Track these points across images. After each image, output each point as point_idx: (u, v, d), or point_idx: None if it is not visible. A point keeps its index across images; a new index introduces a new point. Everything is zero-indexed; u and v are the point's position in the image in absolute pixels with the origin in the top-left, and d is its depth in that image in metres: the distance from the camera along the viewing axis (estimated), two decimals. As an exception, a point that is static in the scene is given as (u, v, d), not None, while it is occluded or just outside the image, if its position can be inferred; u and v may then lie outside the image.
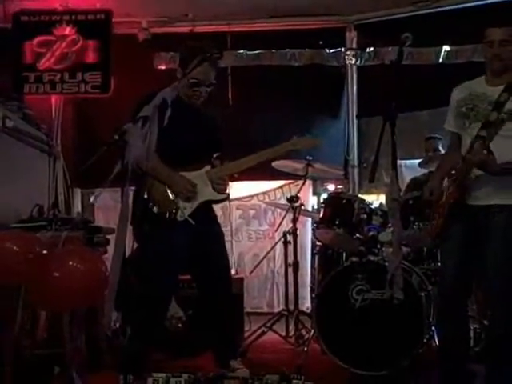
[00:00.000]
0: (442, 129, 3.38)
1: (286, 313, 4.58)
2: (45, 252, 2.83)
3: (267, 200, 6.06)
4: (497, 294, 2.92)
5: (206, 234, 3.29)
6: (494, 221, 2.88)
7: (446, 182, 3.09)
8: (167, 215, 3.21)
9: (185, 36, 5.72)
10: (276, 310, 5.49)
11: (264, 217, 6.11)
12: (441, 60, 5.62)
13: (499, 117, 2.84)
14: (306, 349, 3.91)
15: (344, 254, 4.23)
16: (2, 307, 2.96)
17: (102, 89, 5.72)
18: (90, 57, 5.76)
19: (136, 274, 3.20)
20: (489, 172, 2.83)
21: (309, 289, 5.38)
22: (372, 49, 5.86)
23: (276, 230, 5.53)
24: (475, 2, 5.40)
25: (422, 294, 3.49)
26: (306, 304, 5.38)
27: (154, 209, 3.21)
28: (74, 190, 5.58)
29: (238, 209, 6.08)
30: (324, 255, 4.54)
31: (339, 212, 4.04)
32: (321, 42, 5.94)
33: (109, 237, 3.65)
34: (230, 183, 3.48)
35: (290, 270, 4.68)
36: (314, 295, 4.57)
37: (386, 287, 2.77)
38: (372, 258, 3.75)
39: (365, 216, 3.96)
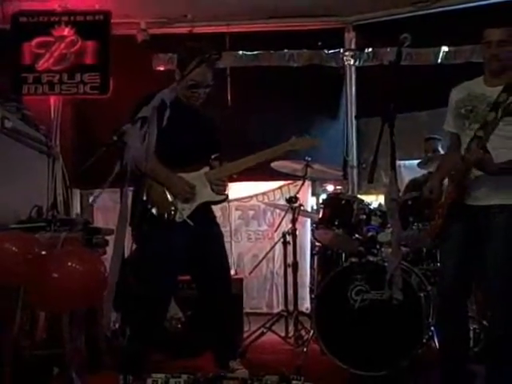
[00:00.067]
0: (441, 129, 3.39)
1: (285, 313, 4.58)
2: (44, 253, 2.83)
3: (266, 200, 6.06)
4: (497, 295, 2.92)
5: (205, 234, 3.29)
6: (494, 221, 2.88)
7: (445, 182, 3.10)
8: (166, 216, 3.21)
9: (184, 37, 5.72)
10: (275, 310, 5.49)
11: (263, 217, 6.12)
12: (439, 60, 5.63)
13: (497, 117, 2.84)
14: (305, 349, 3.91)
15: (343, 255, 4.24)
16: (1, 308, 2.96)
17: (100, 90, 5.72)
18: (89, 58, 5.75)
19: (135, 275, 3.19)
20: (486, 171, 2.84)
21: (308, 289, 5.38)
22: (371, 49, 5.86)
23: (275, 231, 5.54)
24: (474, 2, 5.40)
25: (422, 295, 3.50)
26: (306, 304, 5.38)
27: (153, 210, 3.21)
28: (72, 190, 5.57)
29: (237, 209, 6.08)
30: (323, 256, 4.54)
31: (338, 212, 4.04)
32: (319, 43, 5.94)
33: (108, 238, 3.65)
34: (230, 184, 3.48)
35: (290, 270, 4.68)
36: (313, 296, 4.57)
37: (385, 288, 2.77)
38: (371, 258, 3.75)
39: (364, 216, 3.97)
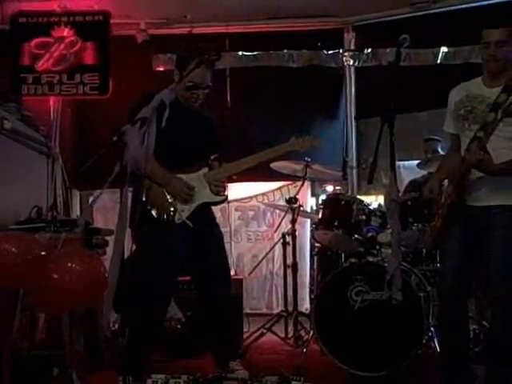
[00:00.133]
0: (440, 130, 3.39)
1: (285, 314, 4.58)
2: (43, 253, 2.83)
3: (266, 201, 6.07)
4: (497, 295, 2.92)
5: (204, 235, 3.29)
6: (494, 221, 2.89)
7: (445, 183, 3.10)
8: (165, 217, 3.21)
9: (183, 37, 5.72)
10: (275, 311, 5.48)
11: (263, 218, 6.12)
12: (439, 61, 5.63)
13: (497, 118, 2.85)
14: (305, 350, 3.91)
15: (343, 255, 4.23)
16: (1, 309, 2.96)
17: (100, 90, 5.72)
18: (89, 58, 5.75)
19: (134, 276, 3.20)
20: (486, 172, 2.84)
21: (308, 290, 5.37)
22: (370, 50, 5.85)
23: (275, 231, 5.54)
24: (473, 3, 5.40)
25: (421, 295, 3.49)
26: (305, 305, 5.37)
27: (152, 211, 3.20)
28: (72, 191, 5.57)
29: (236, 210, 6.08)
30: (323, 256, 4.54)
31: (338, 213, 4.04)
32: (319, 44, 5.94)
33: (108, 238, 3.65)
34: (229, 185, 3.48)
35: (289, 271, 4.68)
36: (313, 296, 4.57)
37: (385, 288, 2.77)
38: (371, 258, 3.75)
39: (364, 217, 3.97)
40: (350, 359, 3.47)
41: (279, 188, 6.09)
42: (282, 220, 5.02)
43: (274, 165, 4.36)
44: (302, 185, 4.67)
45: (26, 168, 4.19)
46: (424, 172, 4.79)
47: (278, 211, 5.64)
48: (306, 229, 5.72)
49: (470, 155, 2.85)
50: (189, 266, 3.34)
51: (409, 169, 5.45)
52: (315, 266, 4.70)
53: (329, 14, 5.88)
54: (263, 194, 6.15)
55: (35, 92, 5.71)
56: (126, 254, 3.14)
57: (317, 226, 4.19)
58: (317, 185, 6.19)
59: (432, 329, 3.60)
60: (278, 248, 5.17)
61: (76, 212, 5.75)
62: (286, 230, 4.74)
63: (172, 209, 3.21)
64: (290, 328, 4.53)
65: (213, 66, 3.28)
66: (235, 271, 5.08)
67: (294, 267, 4.59)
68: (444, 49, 5.61)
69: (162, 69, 5.88)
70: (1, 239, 2.80)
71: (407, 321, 3.38)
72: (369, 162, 3.44)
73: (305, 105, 5.89)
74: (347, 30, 5.99)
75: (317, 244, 4.57)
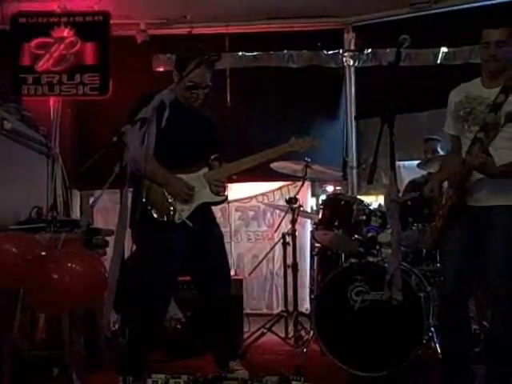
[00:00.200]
0: (440, 130, 3.39)
1: (285, 314, 4.58)
2: (43, 254, 2.83)
3: (266, 201, 6.07)
4: (497, 295, 2.92)
5: (204, 235, 3.29)
6: (495, 222, 2.89)
7: (445, 184, 3.10)
8: (165, 217, 3.21)
9: (183, 38, 5.72)
10: (275, 311, 5.49)
11: (263, 218, 6.12)
12: (439, 61, 5.63)
13: (497, 118, 2.85)
14: (305, 350, 3.91)
15: (343, 255, 4.23)
16: (1, 309, 2.96)
17: (100, 91, 5.72)
18: (89, 59, 5.75)
19: (134, 276, 3.20)
20: (487, 174, 2.84)
21: (308, 290, 5.37)
22: (370, 50, 5.86)
23: (275, 232, 5.54)
24: (473, 3, 5.40)
25: (421, 295, 3.49)
26: (306, 305, 5.37)
27: (152, 211, 3.20)
28: (72, 191, 5.57)
29: (237, 210, 6.08)
30: (323, 256, 4.54)
31: (338, 213, 4.04)
32: (319, 44, 5.94)
33: (108, 238, 3.65)
34: (229, 185, 3.48)
35: (289, 271, 4.68)
36: (313, 296, 4.56)
37: (385, 288, 2.77)
38: (371, 259, 3.75)
39: (364, 217, 3.96)
40: (350, 359, 3.47)
41: (279, 188, 6.09)
42: (282, 220, 5.02)
43: (274, 165, 4.36)
44: (302, 185, 4.67)
45: (26, 168, 4.19)
46: (424, 172, 4.79)
47: (278, 211, 5.64)
48: (306, 229, 5.72)
49: (471, 157, 2.85)
50: (189, 266, 3.34)
51: (409, 169, 5.45)
52: (315, 266, 4.69)
53: (329, 14, 5.88)
54: (263, 194, 6.15)
55: (35, 92, 5.71)
56: (126, 254, 3.15)
57: (317, 226, 4.19)
58: (317, 185, 6.20)
59: (432, 329, 3.60)
60: (278, 248, 5.17)
61: (76, 212, 5.75)
62: (286, 230, 4.74)
63: (172, 209, 3.21)
64: (290, 328, 4.53)
65: (213, 66, 3.29)
66: (235, 271, 5.08)
67: (294, 267, 4.59)
68: (444, 49, 5.61)
69: (161, 69, 5.88)
70: (1, 239, 2.80)
71: (407, 321, 3.38)
72: (369, 162, 3.44)
73: (305, 105, 5.89)
74: (347, 30, 5.99)
75: (317, 244, 4.57)
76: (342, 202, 4.09)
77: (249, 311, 4.97)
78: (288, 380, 2.75)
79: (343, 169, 5.76)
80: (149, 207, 3.19)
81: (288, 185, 5.96)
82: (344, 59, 5.94)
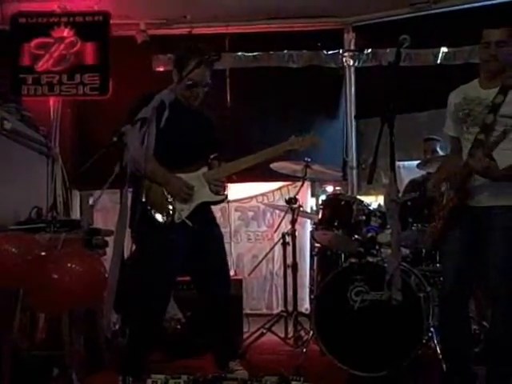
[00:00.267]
0: (440, 130, 3.39)
1: (284, 314, 4.58)
2: (43, 254, 2.84)
3: (266, 201, 6.06)
4: (497, 295, 2.92)
5: (204, 235, 3.29)
6: (495, 222, 2.89)
7: (444, 185, 3.10)
8: (165, 217, 3.21)
9: (183, 38, 5.72)
10: (275, 311, 5.48)
11: (263, 218, 6.12)
12: (439, 61, 5.63)
13: (496, 119, 2.85)
14: (304, 350, 3.91)
15: (343, 256, 4.24)
16: (1, 309, 2.96)
17: (100, 91, 5.72)
18: (89, 59, 5.75)
19: (134, 276, 3.20)
20: (490, 178, 2.84)
21: (308, 290, 5.37)
22: (370, 50, 5.85)
23: (275, 232, 5.54)
24: (473, 3, 5.40)
25: (421, 295, 3.49)
26: (305, 305, 5.37)
27: (152, 211, 3.21)
28: (72, 191, 5.57)
29: (236, 210, 6.08)
30: (323, 256, 4.54)
31: (338, 213, 4.04)
32: (319, 44, 5.94)
33: (107, 239, 3.65)
34: (229, 185, 3.48)
35: (289, 271, 4.68)
36: (312, 296, 4.57)
37: (385, 288, 2.77)
38: (371, 259, 3.75)
39: (363, 217, 3.96)
40: (350, 359, 3.47)
41: (279, 188, 6.09)
42: (281, 220, 5.02)
43: (273, 165, 4.36)
44: (302, 185, 4.67)
45: (26, 168, 4.19)
46: (423, 172, 4.79)
47: (277, 211, 5.63)
48: (305, 229, 5.72)
49: (474, 162, 2.84)
50: (188, 266, 3.34)
51: (408, 169, 5.45)
52: (315, 266, 4.69)
53: (329, 14, 5.88)
54: (263, 195, 6.15)
55: (35, 92, 5.71)
56: (126, 254, 3.14)
57: (317, 226, 4.19)
58: (317, 185, 6.19)
59: (432, 329, 3.60)
60: (278, 248, 5.17)
61: (76, 212, 5.75)
62: (285, 231, 4.74)
63: (171, 208, 3.21)
64: (290, 328, 4.53)
65: (212, 65, 3.29)
66: (235, 271, 5.09)
67: (294, 267, 4.59)
68: (444, 49, 5.61)
69: (161, 69, 5.87)
70: (1, 239, 2.81)
71: (407, 321, 3.38)
72: (369, 162, 3.44)
73: (305, 105, 5.89)
74: (347, 30, 5.98)
75: (317, 244, 4.57)
76: (342, 202, 4.09)
77: (248, 311, 4.97)
78: (287, 380, 2.75)
79: (343, 169, 5.75)
80: (149, 207, 3.19)
81: (288, 185, 5.96)
82: (344, 59, 5.94)
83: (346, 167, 5.94)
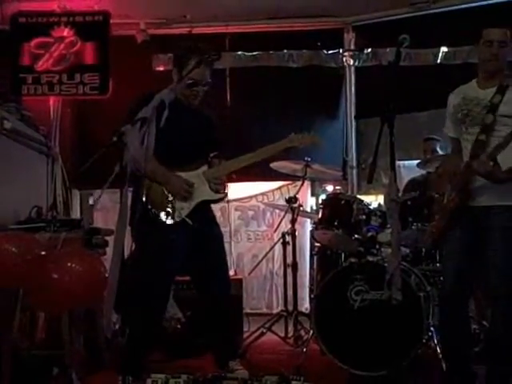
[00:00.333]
0: (440, 130, 3.40)
1: (284, 313, 4.58)
2: (43, 253, 2.84)
3: (266, 201, 6.06)
4: (497, 295, 2.93)
5: (204, 234, 3.29)
6: (495, 222, 2.89)
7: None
8: (165, 217, 3.21)
9: (183, 37, 5.72)
10: (275, 310, 5.49)
11: (263, 218, 6.12)
12: (439, 61, 5.63)
13: (495, 119, 2.85)
14: (304, 349, 3.91)
15: (343, 255, 4.23)
16: (1, 309, 2.96)
17: (100, 90, 5.72)
18: (89, 58, 5.75)
19: (134, 275, 3.20)
20: (493, 181, 2.84)
21: (308, 289, 5.37)
22: (370, 50, 5.86)
23: (275, 231, 5.53)
24: (473, 3, 5.40)
25: (421, 295, 3.49)
26: (305, 305, 5.37)
27: (152, 210, 3.21)
28: (72, 191, 5.57)
29: (236, 210, 6.08)
30: (323, 256, 4.54)
31: (338, 213, 4.04)
32: (319, 44, 5.94)
33: (108, 238, 3.65)
34: (229, 184, 3.47)
35: (289, 270, 4.68)
36: (312, 296, 4.56)
37: (385, 288, 2.77)
38: (371, 258, 3.75)
39: (363, 217, 3.96)
40: (350, 359, 3.47)
41: (279, 188, 6.09)
42: (281, 220, 5.02)
43: (273, 164, 4.36)
44: (302, 184, 4.67)
45: (26, 168, 4.18)
46: (423, 171, 4.79)
47: (277, 211, 5.63)
48: (305, 228, 5.72)
49: (478, 164, 2.84)
50: (188, 266, 3.34)
51: (408, 168, 5.45)
52: (315, 266, 4.70)
53: (329, 13, 5.88)
54: (263, 194, 6.15)
55: (35, 92, 5.71)
56: (126, 253, 3.14)
57: (317, 225, 4.19)
58: (317, 184, 6.19)
59: (432, 328, 3.60)
60: (278, 248, 5.17)
61: (76, 212, 5.75)
62: (285, 230, 4.74)
63: (172, 207, 3.22)
64: (290, 328, 4.53)
65: (212, 65, 3.29)
66: (235, 271, 5.09)
67: (294, 267, 4.59)
68: (444, 49, 5.61)
69: (161, 69, 5.88)
70: (1, 239, 2.80)
71: (407, 321, 3.38)
72: (368, 161, 3.44)
73: (305, 104, 5.89)
74: (347, 29, 5.99)
75: (317, 244, 4.57)
76: (342, 202, 4.09)
77: (248, 311, 4.97)
78: (288, 380, 2.75)
79: (343, 168, 5.76)
80: (149, 206, 3.19)
81: (288, 184, 5.96)
82: (344, 59, 5.94)
83: (346, 167, 5.94)
